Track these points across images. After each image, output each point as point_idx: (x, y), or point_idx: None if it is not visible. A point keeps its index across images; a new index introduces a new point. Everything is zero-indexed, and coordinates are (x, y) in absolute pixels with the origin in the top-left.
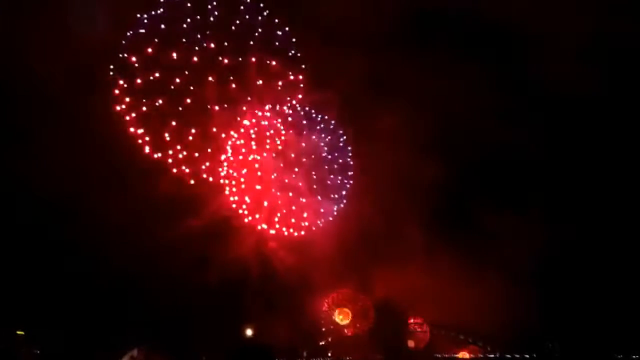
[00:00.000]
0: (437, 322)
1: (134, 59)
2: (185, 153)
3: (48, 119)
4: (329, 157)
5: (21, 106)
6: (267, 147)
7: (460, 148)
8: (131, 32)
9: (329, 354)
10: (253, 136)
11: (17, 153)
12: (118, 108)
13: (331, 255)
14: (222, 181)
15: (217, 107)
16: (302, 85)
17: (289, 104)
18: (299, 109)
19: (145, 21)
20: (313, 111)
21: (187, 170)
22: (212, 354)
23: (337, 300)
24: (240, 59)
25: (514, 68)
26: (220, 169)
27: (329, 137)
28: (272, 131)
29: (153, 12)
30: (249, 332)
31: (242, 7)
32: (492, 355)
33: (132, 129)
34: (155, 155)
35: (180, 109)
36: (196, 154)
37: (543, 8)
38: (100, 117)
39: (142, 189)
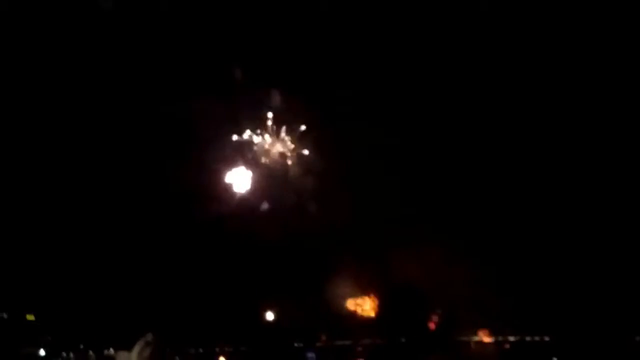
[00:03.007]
0: (457, 305)
1: None
2: None
3: None
4: None
5: None
6: None
7: (473, 133)
8: None
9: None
10: None
11: None
12: None
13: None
14: None
15: None
16: None
17: None
18: None
19: None
20: None
21: None
22: (228, 338)
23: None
24: None
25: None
26: None
27: None
28: None
29: None
30: (268, 316)
31: None
32: (512, 338)
33: None
34: None
35: None
36: None
37: None
38: None
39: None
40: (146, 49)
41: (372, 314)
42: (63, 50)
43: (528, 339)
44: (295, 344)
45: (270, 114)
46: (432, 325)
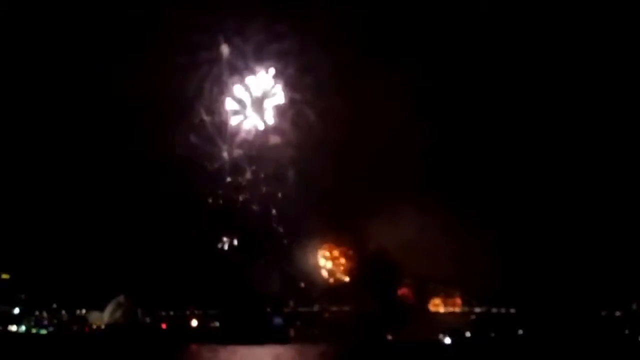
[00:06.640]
0: (426, 276)
1: None
2: None
3: None
4: None
5: None
6: None
7: (447, 111)
8: None
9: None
10: None
11: None
12: None
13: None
14: None
15: None
16: None
17: None
18: None
19: None
20: None
21: None
22: (200, 302)
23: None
24: None
25: None
26: None
27: None
28: None
29: None
30: (239, 283)
31: None
32: (479, 309)
33: None
34: None
35: None
36: None
37: None
38: None
39: None
40: None
41: (343, 282)
42: None
43: (494, 310)
44: (265, 309)
45: None
46: (401, 295)
